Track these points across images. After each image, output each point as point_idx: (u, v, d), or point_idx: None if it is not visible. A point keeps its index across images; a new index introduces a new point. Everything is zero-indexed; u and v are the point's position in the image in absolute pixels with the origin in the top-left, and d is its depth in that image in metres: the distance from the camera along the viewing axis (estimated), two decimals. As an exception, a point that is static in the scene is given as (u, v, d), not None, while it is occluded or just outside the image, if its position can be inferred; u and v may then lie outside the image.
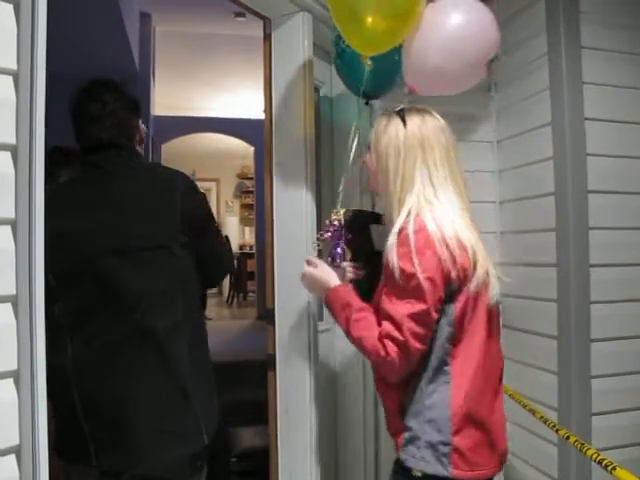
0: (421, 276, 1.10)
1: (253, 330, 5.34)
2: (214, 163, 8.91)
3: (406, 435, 1.16)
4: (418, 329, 1.11)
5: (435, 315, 1.13)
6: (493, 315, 1.22)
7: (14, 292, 0.87)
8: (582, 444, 1.47)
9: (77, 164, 1.45)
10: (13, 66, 0.87)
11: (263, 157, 1.89)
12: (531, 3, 1.98)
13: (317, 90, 2.01)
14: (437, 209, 1.16)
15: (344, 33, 1.44)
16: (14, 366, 0.86)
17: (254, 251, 7.17)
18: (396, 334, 1.11)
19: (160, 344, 1.26)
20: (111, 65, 3.81)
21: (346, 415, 2.08)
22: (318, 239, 1.52)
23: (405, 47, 1.47)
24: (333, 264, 1.44)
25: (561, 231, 1.85)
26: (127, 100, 1.40)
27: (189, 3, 4.20)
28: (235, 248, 8.56)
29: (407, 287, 1.11)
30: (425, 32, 1.42)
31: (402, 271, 1.11)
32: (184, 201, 1.32)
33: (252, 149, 6.60)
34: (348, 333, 1.21)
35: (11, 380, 0.87)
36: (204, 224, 1.39)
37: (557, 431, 1.62)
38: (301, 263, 1.43)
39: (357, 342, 1.19)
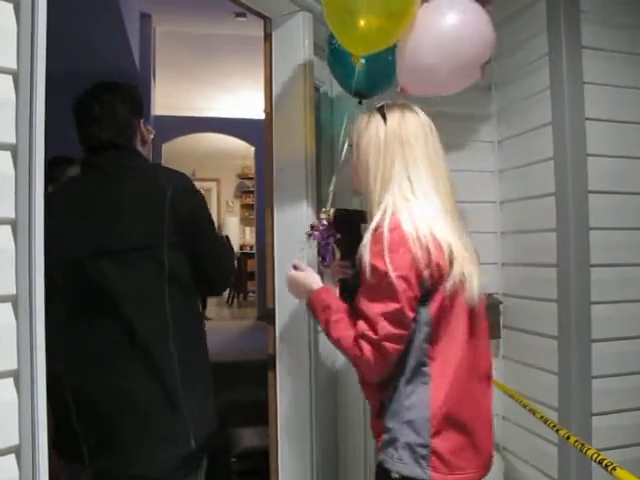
0: (393, 275, 1.08)
1: (253, 330, 5.35)
2: (214, 163, 8.92)
3: (385, 436, 1.15)
4: (392, 328, 1.09)
5: (410, 314, 1.11)
6: (476, 315, 1.19)
7: (14, 292, 0.87)
8: (582, 444, 1.47)
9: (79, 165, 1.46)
10: (13, 66, 0.87)
11: (263, 157, 1.89)
12: (532, 3, 1.98)
13: (317, 90, 2.01)
14: (414, 207, 1.14)
15: (337, 32, 1.41)
16: (14, 366, 0.87)
17: (254, 251, 7.18)
18: (370, 333, 1.10)
19: (144, 346, 1.25)
20: (111, 65, 3.82)
21: (346, 415, 2.08)
22: (309, 235, 1.49)
23: (399, 46, 1.46)
24: (323, 264, 1.43)
25: (562, 231, 1.85)
26: (128, 101, 1.41)
27: (189, 3, 4.21)
28: (236, 248, 8.56)
29: (380, 286, 1.10)
30: (420, 32, 1.40)
31: (374, 269, 1.10)
32: (176, 201, 1.30)
33: (252, 149, 6.61)
34: (328, 335, 1.21)
35: (11, 380, 0.87)
36: (200, 224, 1.37)
37: (557, 431, 1.62)
38: (302, 263, 1.42)
39: (337, 343, 1.18)
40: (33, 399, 0.87)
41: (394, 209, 1.14)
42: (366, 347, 1.11)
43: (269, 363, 1.84)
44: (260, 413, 2.02)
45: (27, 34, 0.87)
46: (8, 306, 0.87)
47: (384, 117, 1.21)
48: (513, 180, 2.13)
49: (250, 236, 9.23)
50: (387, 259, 1.09)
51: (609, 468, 1.30)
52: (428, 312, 1.13)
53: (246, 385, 2.84)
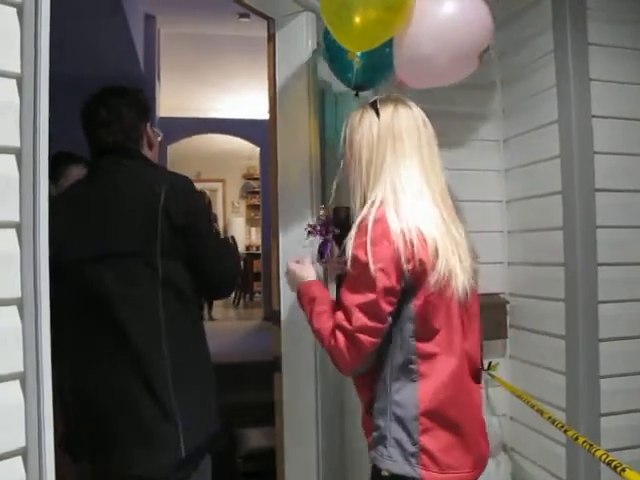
0: (373, 266, 1.08)
1: (260, 331, 5.35)
2: (220, 164, 8.93)
3: (375, 434, 1.15)
4: (367, 320, 1.09)
5: (385, 307, 1.09)
6: (467, 312, 1.18)
7: (19, 295, 0.87)
8: (591, 445, 1.46)
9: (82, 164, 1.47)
10: (16, 69, 0.87)
11: (268, 158, 1.89)
12: (537, 0, 1.96)
13: (321, 89, 2.01)
14: (402, 200, 1.13)
15: (333, 29, 1.39)
16: (20, 368, 0.87)
17: (260, 252, 7.19)
18: (345, 324, 1.11)
19: (136, 349, 1.26)
20: (116, 67, 3.84)
21: (353, 416, 2.07)
22: (308, 231, 1.49)
23: (396, 37, 1.43)
24: (322, 260, 1.43)
25: (568, 230, 1.83)
26: (134, 105, 1.42)
27: (193, 5, 4.21)
28: (241, 249, 8.57)
29: (360, 277, 1.10)
30: (417, 21, 1.38)
31: (356, 260, 1.11)
32: (170, 206, 1.29)
33: (258, 149, 6.61)
34: (311, 326, 1.21)
35: (17, 382, 0.87)
36: (197, 228, 1.35)
37: (565, 432, 1.61)
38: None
39: (316, 334, 1.19)
40: (39, 401, 0.87)
41: (382, 202, 1.14)
42: (340, 338, 1.11)
43: (275, 364, 1.84)
44: (266, 414, 2.02)
45: (30, 38, 0.87)
46: (14, 309, 0.87)
47: (377, 112, 1.20)
48: (519, 179, 2.12)
49: (256, 237, 9.23)
50: (369, 251, 1.09)
51: (618, 469, 1.29)
52: (412, 308, 1.12)
53: (252, 386, 2.84)
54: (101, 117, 1.37)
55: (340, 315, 1.13)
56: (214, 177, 9.17)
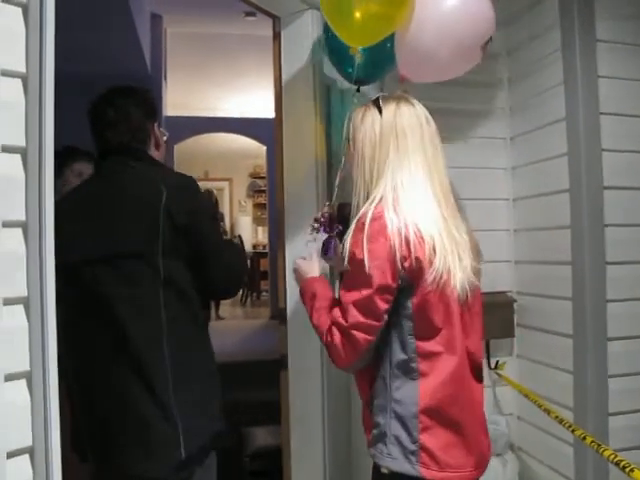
0: (369, 264, 1.08)
1: (267, 329, 5.36)
2: (227, 163, 8.95)
3: (374, 431, 1.15)
4: (362, 317, 1.09)
5: (381, 304, 1.09)
6: (469, 311, 1.17)
7: (26, 294, 0.88)
8: (599, 445, 1.45)
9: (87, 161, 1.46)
10: (22, 69, 0.87)
11: (274, 156, 1.89)
12: (544, -4, 1.95)
13: (327, 86, 2.00)
14: (402, 198, 1.13)
15: (333, 24, 1.38)
16: (26, 367, 0.87)
17: (267, 250, 7.20)
18: (341, 320, 1.11)
19: (136, 349, 1.26)
20: (122, 67, 3.86)
21: (359, 413, 2.07)
22: (312, 228, 1.49)
23: (398, 31, 1.41)
24: (326, 256, 1.43)
25: (576, 228, 1.82)
26: (142, 105, 1.42)
27: (199, 4, 4.23)
28: (248, 248, 8.59)
29: (356, 274, 1.10)
30: (418, 13, 1.36)
31: (352, 257, 1.11)
32: (171, 206, 1.28)
33: (264, 148, 6.62)
34: (311, 321, 1.22)
35: (24, 381, 0.87)
36: (199, 227, 1.34)
37: (573, 431, 1.60)
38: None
39: (316, 330, 1.20)
40: (45, 400, 0.88)
41: (381, 199, 1.14)
42: (336, 334, 1.12)
43: (282, 363, 1.84)
44: (273, 412, 2.02)
45: (35, 37, 0.87)
46: (20, 308, 0.87)
47: (380, 110, 1.20)
48: (526, 177, 2.11)
49: (263, 235, 9.25)
50: (365, 248, 1.09)
51: (627, 469, 1.28)
52: (410, 306, 1.12)
53: (259, 384, 2.84)
54: (109, 117, 1.37)
55: (337, 312, 1.14)
56: (221, 176, 9.21)
